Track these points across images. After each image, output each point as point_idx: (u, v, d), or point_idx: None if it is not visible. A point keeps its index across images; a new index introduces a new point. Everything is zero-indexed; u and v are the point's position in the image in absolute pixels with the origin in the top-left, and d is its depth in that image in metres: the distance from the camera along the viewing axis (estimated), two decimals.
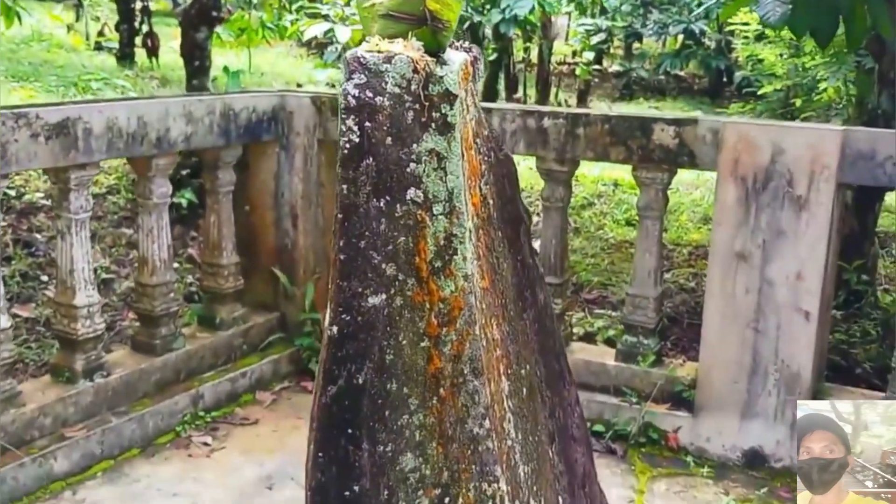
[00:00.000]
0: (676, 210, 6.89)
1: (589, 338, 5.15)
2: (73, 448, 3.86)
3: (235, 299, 4.86)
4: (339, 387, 1.46)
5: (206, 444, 4.20)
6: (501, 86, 14.10)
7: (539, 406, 1.93)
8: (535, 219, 6.53)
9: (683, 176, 6.63)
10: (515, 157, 5.48)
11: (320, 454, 1.47)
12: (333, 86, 10.71)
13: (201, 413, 4.41)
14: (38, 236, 5.48)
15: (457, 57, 1.62)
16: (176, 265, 5.05)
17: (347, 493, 1.47)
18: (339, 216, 1.44)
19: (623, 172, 6.87)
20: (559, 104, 13.70)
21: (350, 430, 1.46)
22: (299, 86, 9.83)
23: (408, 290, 1.48)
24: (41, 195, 5.70)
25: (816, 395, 4.15)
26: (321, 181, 5.04)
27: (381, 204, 1.45)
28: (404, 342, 1.49)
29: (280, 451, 4.16)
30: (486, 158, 1.78)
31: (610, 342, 5.02)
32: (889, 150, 3.92)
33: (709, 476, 4.07)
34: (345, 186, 1.44)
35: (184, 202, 6.09)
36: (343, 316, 1.45)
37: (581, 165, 4.74)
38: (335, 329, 1.45)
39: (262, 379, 4.79)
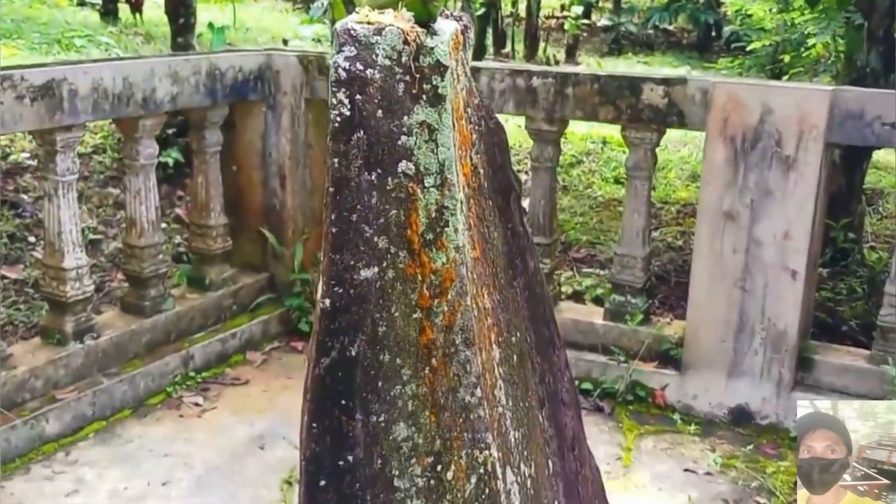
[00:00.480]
0: (665, 168, 6.90)
1: (577, 296, 5.18)
2: (65, 410, 3.88)
3: (224, 260, 4.86)
4: (333, 358, 1.47)
5: (196, 404, 4.22)
6: (489, 41, 14.00)
7: (529, 372, 1.94)
8: (523, 177, 6.53)
9: (672, 134, 6.62)
10: (504, 117, 5.47)
11: (314, 424, 1.48)
12: (319, 41, 10.62)
13: (192, 374, 4.43)
14: (24, 197, 5.45)
15: (447, 27, 1.61)
16: (163, 225, 5.04)
17: (341, 462, 1.49)
18: (331, 189, 1.44)
19: (612, 130, 6.87)
20: (547, 59, 13.63)
21: (343, 401, 1.47)
22: (285, 42, 9.73)
23: (400, 262, 1.49)
24: (27, 155, 5.66)
25: (802, 353, 4.20)
26: (308, 141, 5.02)
27: (373, 177, 1.45)
28: (396, 314, 1.50)
29: (270, 410, 4.19)
30: (476, 127, 1.78)
31: (598, 301, 5.05)
32: (877, 109, 3.92)
33: (695, 433, 4.12)
34: (336, 160, 1.44)
35: (170, 161, 6.05)
36: (336, 289, 1.46)
37: (570, 123, 4.73)
38: (328, 302, 1.46)
39: (251, 339, 4.80)
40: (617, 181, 6.71)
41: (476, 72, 4.43)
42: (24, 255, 5.07)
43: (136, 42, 9.33)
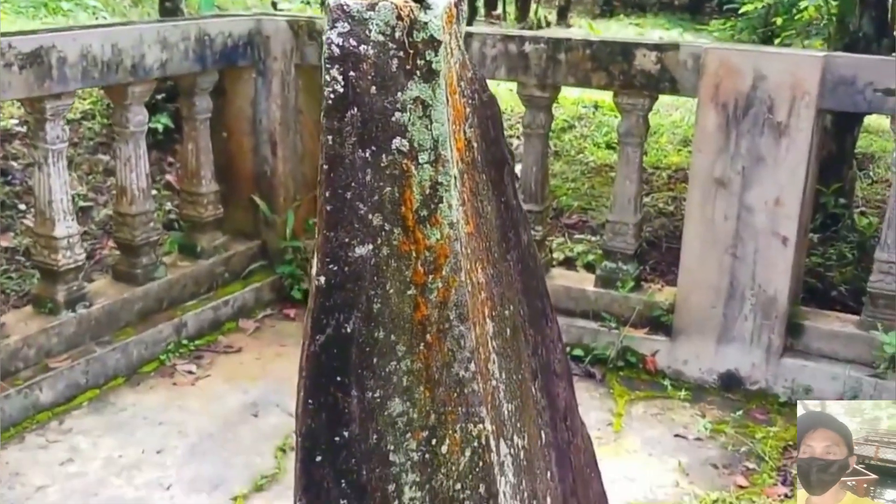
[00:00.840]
0: (656, 132, 6.88)
1: (569, 263, 5.19)
2: (58, 378, 3.89)
3: (216, 227, 4.85)
4: (328, 335, 1.47)
5: (190, 372, 4.24)
6: (480, 2, 13.89)
7: (522, 345, 1.95)
8: (514, 142, 6.52)
9: (663, 98, 6.62)
10: (495, 83, 5.42)
11: (310, 401, 1.49)
12: (308, 3, 10.52)
13: (185, 341, 4.43)
14: (14, 164, 5.41)
15: (440, 0, 1.60)
16: (154, 192, 5.02)
17: (337, 438, 1.50)
18: (325, 167, 1.44)
19: (603, 94, 6.84)
20: (539, 21, 13.53)
21: (339, 378, 1.48)
22: (274, 5, 9.64)
23: (394, 239, 1.49)
24: (15, 122, 5.62)
25: (792, 318, 4.22)
26: (299, 107, 5.00)
27: (367, 154, 1.45)
28: (391, 291, 1.50)
29: (264, 378, 4.20)
30: (470, 101, 1.77)
31: (589, 267, 5.07)
32: (870, 75, 3.91)
33: (686, 399, 4.16)
34: (330, 137, 1.43)
35: (159, 127, 6.00)
36: (330, 266, 1.46)
37: (562, 89, 4.71)
38: (322, 279, 1.46)
39: (244, 307, 4.81)
40: (609, 146, 6.70)
41: (468, 37, 4.41)
42: (15, 223, 5.04)
43: (124, 5, 9.22)
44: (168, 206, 5.60)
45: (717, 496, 3.47)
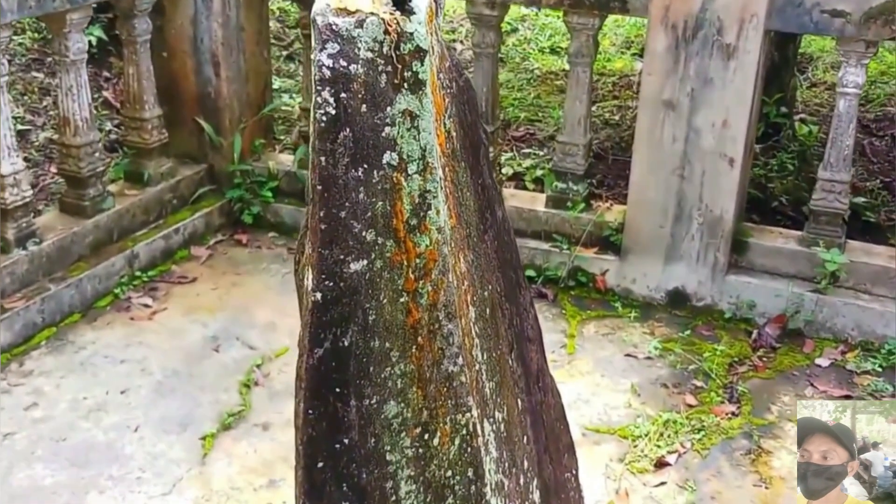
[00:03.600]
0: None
1: (518, 178, 5.24)
2: (14, 319, 3.86)
3: (161, 153, 4.77)
4: (326, 349, 1.51)
5: (146, 305, 4.23)
6: None
7: (500, 320, 2.01)
8: (458, 47, 6.46)
9: None
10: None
11: (310, 411, 1.54)
12: None
13: (138, 273, 4.41)
14: None
15: (422, 2, 1.58)
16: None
17: (337, 445, 1.55)
18: (319, 187, 1.44)
19: None
20: None
21: (338, 389, 1.53)
22: None
23: (387, 251, 1.51)
24: None
25: (736, 236, 4.35)
26: (241, 25, 4.89)
27: (360, 173, 1.45)
28: (385, 301, 1.53)
29: (222, 310, 4.22)
30: (448, 91, 1.77)
31: (538, 181, 5.12)
32: None
33: (635, 319, 4.29)
34: (323, 158, 1.43)
35: (93, 40, 5.80)
36: (326, 282, 1.48)
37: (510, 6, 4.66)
38: (318, 295, 1.49)
39: (195, 234, 4.78)
40: (553, 51, 6.68)
41: None
42: None
43: None
44: (108, 126, 5.48)
45: (668, 417, 3.63)
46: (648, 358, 4.03)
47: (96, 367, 3.79)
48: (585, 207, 4.56)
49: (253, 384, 3.74)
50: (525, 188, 5.07)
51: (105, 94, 5.78)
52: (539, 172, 5.19)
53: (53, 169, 4.93)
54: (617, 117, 5.83)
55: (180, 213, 4.77)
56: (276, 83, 5.93)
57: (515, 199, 4.73)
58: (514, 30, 7.04)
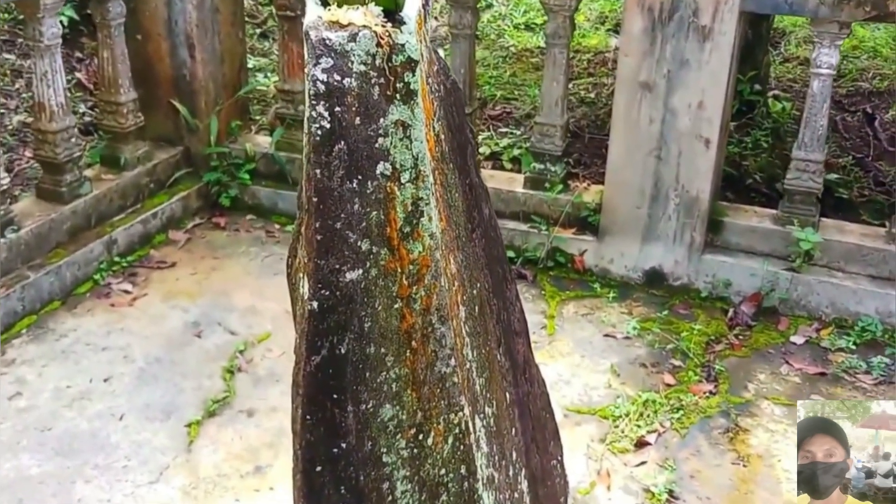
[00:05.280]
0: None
1: (495, 157, 5.26)
2: None
3: (137, 137, 4.75)
4: (323, 357, 1.53)
5: (126, 291, 4.23)
6: None
7: (488, 317, 2.04)
8: (433, 24, 6.44)
9: None
10: None
11: (308, 417, 1.56)
12: None
13: (117, 258, 4.40)
14: None
15: (412, 8, 1.60)
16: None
17: (335, 449, 1.58)
18: (314, 199, 1.46)
19: None
20: None
21: (335, 395, 1.55)
22: None
23: (381, 259, 1.54)
24: None
25: (712, 215, 4.40)
26: (216, 6, 4.86)
27: (354, 184, 1.47)
28: (380, 308, 1.56)
29: (202, 295, 4.23)
30: (437, 95, 1.79)
31: (515, 161, 5.15)
32: None
33: (614, 299, 4.34)
34: (318, 170, 1.45)
35: (64, 20, 5.74)
36: (322, 291, 1.51)
37: None
38: (315, 304, 1.51)
39: (172, 218, 4.77)
40: (528, 27, 6.68)
41: None
42: None
43: None
44: (82, 108, 5.43)
45: (647, 396, 3.69)
46: (627, 338, 4.08)
47: (78, 354, 3.79)
48: (563, 188, 4.59)
49: (236, 370, 3.76)
50: (503, 168, 5.09)
51: (78, 75, 5.72)
52: (516, 152, 5.21)
53: (28, 153, 4.89)
54: (592, 95, 5.86)
55: (157, 198, 4.76)
56: (251, 62, 5.89)
57: (494, 179, 4.74)
58: (489, 5, 7.03)
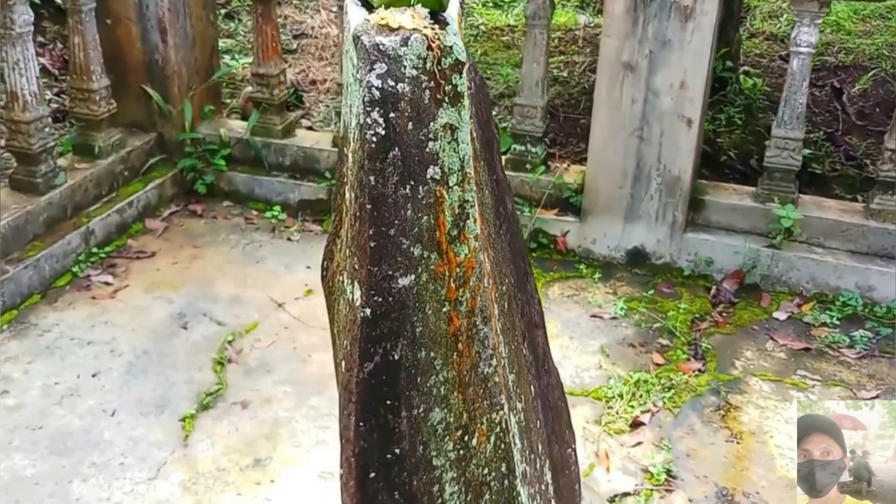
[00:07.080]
0: None
1: None
2: None
3: (110, 124, 4.65)
4: (376, 363, 1.52)
5: (107, 283, 4.15)
6: None
7: (515, 311, 2.04)
8: None
9: None
10: None
11: (361, 424, 1.55)
12: None
13: (95, 249, 4.32)
14: None
15: (453, 9, 1.58)
16: None
17: (389, 455, 1.57)
18: (368, 206, 1.44)
19: None
20: None
21: (389, 401, 1.54)
22: None
23: (431, 264, 1.52)
24: None
25: (693, 194, 4.44)
26: None
27: (407, 189, 1.45)
28: (430, 312, 1.55)
29: (184, 285, 4.17)
30: (469, 93, 1.77)
31: None
32: None
33: (598, 279, 4.36)
34: (372, 177, 1.43)
35: None
36: (375, 298, 1.49)
37: None
38: (368, 311, 1.49)
39: (149, 205, 4.69)
40: (496, 5, 6.64)
41: None
42: None
43: None
44: (48, 94, 5.30)
45: (638, 376, 3.72)
46: (614, 318, 4.11)
47: (63, 350, 3.73)
48: (545, 170, 4.59)
49: (226, 361, 3.72)
50: None
51: (42, 60, 5.58)
52: None
53: (1, 143, 4.76)
54: (565, 73, 5.85)
55: (132, 185, 4.68)
56: (219, 44, 5.79)
57: None
58: None
